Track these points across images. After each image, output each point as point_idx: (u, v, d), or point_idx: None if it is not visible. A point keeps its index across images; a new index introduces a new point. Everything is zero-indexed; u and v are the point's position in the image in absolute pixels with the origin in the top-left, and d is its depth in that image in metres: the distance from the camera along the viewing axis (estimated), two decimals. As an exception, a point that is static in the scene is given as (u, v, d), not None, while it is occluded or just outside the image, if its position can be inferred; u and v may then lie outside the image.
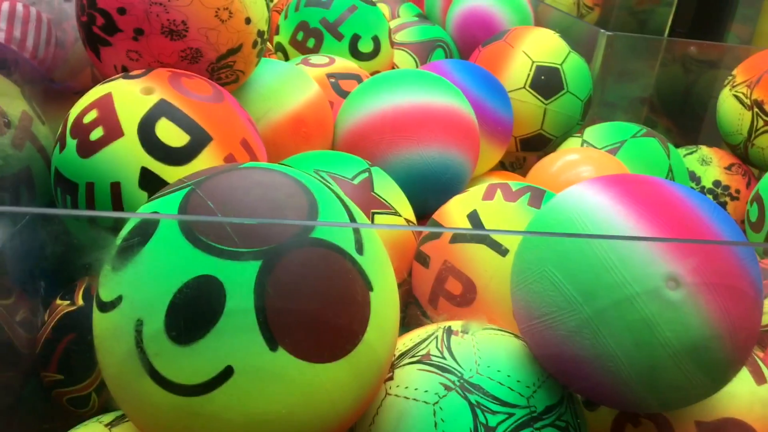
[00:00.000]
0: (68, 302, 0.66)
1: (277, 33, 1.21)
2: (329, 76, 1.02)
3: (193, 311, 0.40)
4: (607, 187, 0.51)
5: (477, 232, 0.58)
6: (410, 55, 1.31)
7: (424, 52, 1.34)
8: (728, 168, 1.16)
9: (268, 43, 1.12)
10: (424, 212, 0.86)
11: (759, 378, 0.57)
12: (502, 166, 1.28)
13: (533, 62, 1.15)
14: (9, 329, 0.64)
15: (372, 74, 1.06)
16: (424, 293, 0.71)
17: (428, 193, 0.88)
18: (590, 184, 0.53)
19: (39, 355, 0.65)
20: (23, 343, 0.66)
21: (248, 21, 0.76)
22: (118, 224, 0.47)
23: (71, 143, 0.66)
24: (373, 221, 0.75)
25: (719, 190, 1.14)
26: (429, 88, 0.91)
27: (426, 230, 0.74)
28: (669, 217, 0.48)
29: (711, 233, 0.48)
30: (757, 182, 1.08)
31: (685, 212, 0.49)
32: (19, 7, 0.84)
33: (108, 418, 0.54)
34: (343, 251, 0.44)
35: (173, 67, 0.74)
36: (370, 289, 0.45)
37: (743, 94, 1.12)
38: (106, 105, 0.66)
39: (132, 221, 0.46)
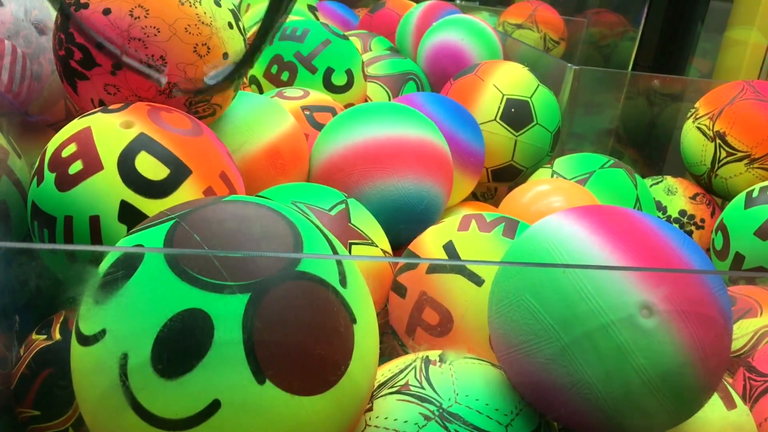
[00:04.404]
0: (45, 336, 0.65)
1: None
2: (304, 108, 1.03)
3: (181, 344, 0.41)
4: (582, 217, 0.53)
5: (456, 263, 0.59)
6: (383, 87, 1.33)
7: (396, 84, 1.36)
8: (693, 198, 1.20)
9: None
10: (399, 243, 0.87)
11: (729, 403, 0.59)
12: (474, 196, 1.30)
13: (503, 95, 1.18)
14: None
15: (346, 107, 1.07)
16: (401, 323, 0.71)
17: (403, 223, 0.89)
18: (565, 215, 0.54)
19: (14, 391, 0.64)
20: (-2, 379, 0.65)
21: (226, 56, 0.77)
22: (96, 258, 0.47)
23: (49, 177, 0.66)
24: (350, 252, 0.76)
25: (685, 219, 1.18)
26: (403, 121, 0.93)
27: (405, 261, 0.75)
28: (642, 247, 0.50)
29: (682, 262, 0.50)
30: (721, 211, 1.11)
31: (658, 242, 0.50)
32: (-5, 40, 0.84)
33: (87, 453, 0.53)
34: (328, 284, 0.45)
35: (150, 101, 0.74)
36: (354, 321, 0.46)
37: (706, 126, 1.16)
38: (85, 139, 0.66)
39: (113, 254, 0.46)
